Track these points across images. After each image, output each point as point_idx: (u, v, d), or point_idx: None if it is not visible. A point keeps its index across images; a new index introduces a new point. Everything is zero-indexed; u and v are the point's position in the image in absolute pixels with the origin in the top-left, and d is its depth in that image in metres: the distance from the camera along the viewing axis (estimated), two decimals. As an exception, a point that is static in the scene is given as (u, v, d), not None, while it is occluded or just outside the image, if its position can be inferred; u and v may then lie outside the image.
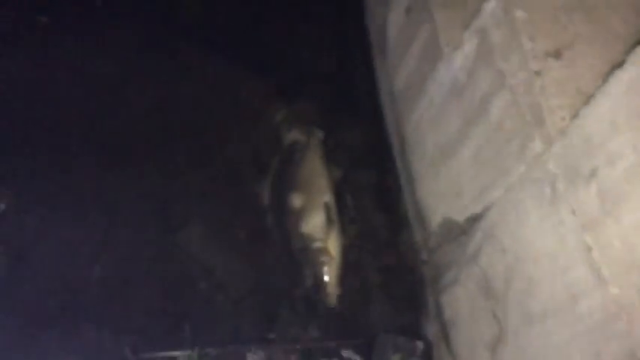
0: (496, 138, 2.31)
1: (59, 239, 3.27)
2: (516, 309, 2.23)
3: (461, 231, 2.67)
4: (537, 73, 2.04)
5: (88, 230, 3.30)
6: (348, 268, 3.37)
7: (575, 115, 1.88)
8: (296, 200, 3.41)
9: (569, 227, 1.88)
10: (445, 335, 2.91)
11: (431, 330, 3.09)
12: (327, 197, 3.44)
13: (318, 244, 3.30)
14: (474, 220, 2.53)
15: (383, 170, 3.59)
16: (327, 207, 3.39)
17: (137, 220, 3.40)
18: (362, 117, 3.80)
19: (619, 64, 1.69)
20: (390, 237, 3.48)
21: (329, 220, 3.35)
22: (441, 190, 2.85)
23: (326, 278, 3.23)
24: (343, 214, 3.50)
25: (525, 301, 2.16)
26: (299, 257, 3.32)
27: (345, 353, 3.09)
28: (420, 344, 3.02)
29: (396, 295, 3.34)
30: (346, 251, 3.39)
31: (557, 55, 2.06)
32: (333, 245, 3.32)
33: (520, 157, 2.15)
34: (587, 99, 1.82)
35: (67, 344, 3.03)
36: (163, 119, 3.71)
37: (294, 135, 3.73)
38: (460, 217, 2.67)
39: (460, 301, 2.73)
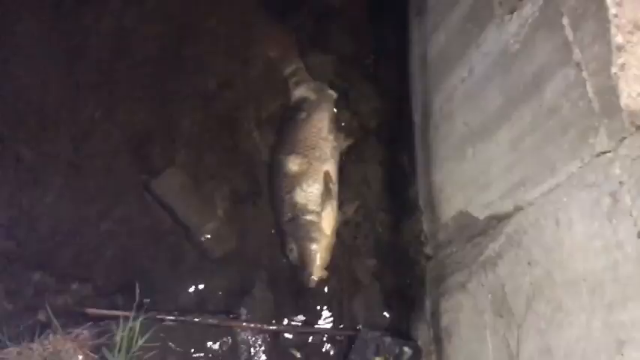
0: (546, 125, 1.86)
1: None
2: (534, 338, 1.81)
3: (479, 230, 2.25)
4: (619, 49, 1.58)
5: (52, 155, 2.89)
6: (339, 249, 2.97)
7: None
8: (293, 164, 2.99)
9: (629, 253, 1.44)
10: (438, 345, 2.53)
11: (422, 335, 2.69)
12: (329, 166, 3.02)
13: (310, 217, 2.89)
14: (499, 220, 2.11)
15: (398, 145, 3.14)
16: (326, 177, 2.97)
17: (111, 152, 2.97)
18: (384, 82, 3.33)
19: None
20: (393, 222, 3.05)
21: (326, 192, 2.94)
22: (463, 178, 2.41)
23: (312, 256, 2.83)
24: (344, 188, 3.08)
25: (548, 331, 1.74)
26: (287, 227, 2.92)
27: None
28: (407, 350, 2.62)
29: (388, 288, 2.94)
30: (340, 230, 2.98)
31: (648, 29, 1.60)
32: (326, 221, 2.91)
33: (575, 153, 1.70)
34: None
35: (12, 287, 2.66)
36: (167, 50, 3.25)
37: (303, 91, 3.28)
38: (481, 213, 2.24)
39: (463, 311, 2.32)
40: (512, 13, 2.13)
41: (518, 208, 1.99)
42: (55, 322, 2.26)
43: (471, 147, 2.38)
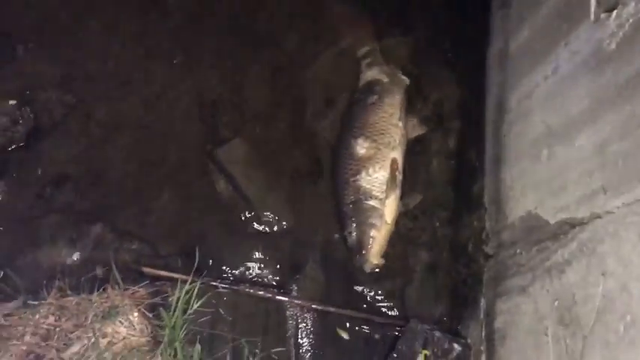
0: (638, 134, 1.76)
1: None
2: (601, 351, 1.74)
3: (548, 234, 2.16)
4: None
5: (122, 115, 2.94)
6: (397, 239, 2.93)
7: None
8: (361, 147, 2.95)
9: None
10: (490, 346, 2.46)
11: (473, 334, 2.64)
12: (397, 154, 2.97)
13: (373, 203, 2.86)
14: (572, 225, 2.02)
15: (468, 138, 3.05)
16: (393, 164, 2.92)
17: (179, 117, 3.00)
18: (460, 72, 3.24)
19: None
20: (456, 216, 2.98)
21: (392, 180, 2.89)
22: (536, 178, 2.32)
23: (370, 241, 2.80)
24: (409, 177, 3.02)
25: (618, 346, 1.67)
26: (348, 210, 2.89)
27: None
28: (456, 347, 2.57)
29: (444, 283, 2.88)
30: (398, 220, 2.94)
31: None
32: (389, 208, 2.87)
33: (669, 164, 1.61)
34: None
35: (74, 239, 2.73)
36: (240, 21, 3.25)
37: (375, 74, 3.22)
38: (552, 217, 2.16)
39: (521, 314, 2.25)
40: (610, 11, 2.02)
41: (595, 216, 1.90)
42: (116, 274, 2.31)
43: (548, 148, 2.29)
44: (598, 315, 1.76)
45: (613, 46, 1.97)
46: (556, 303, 1.98)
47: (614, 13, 1.98)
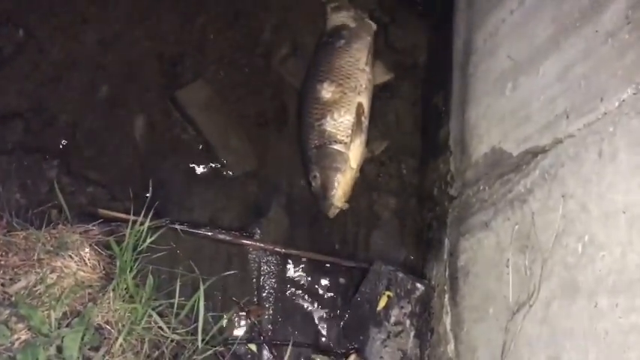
0: (600, 51, 1.72)
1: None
2: (560, 273, 1.71)
3: (511, 166, 2.13)
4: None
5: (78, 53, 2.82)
6: (361, 185, 2.89)
7: None
8: (326, 91, 2.88)
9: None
10: (453, 284, 2.44)
11: (437, 275, 2.61)
12: (363, 99, 2.91)
13: (337, 147, 2.81)
14: (534, 154, 1.98)
15: (435, 83, 3.00)
16: (359, 109, 2.87)
17: (138, 58, 2.89)
18: (425, 16, 3.19)
19: None
20: (422, 162, 2.95)
21: (357, 124, 2.84)
22: (501, 112, 2.28)
23: (335, 185, 2.75)
24: (374, 122, 2.98)
25: (577, 265, 1.64)
26: (312, 154, 2.83)
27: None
28: (419, 286, 2.54)
29: (407, 226, 2.85)
30: (364, 167, 2.90)
31: None
32: (354, 153, 2.82)
33: (631, 78, 1.56)
34: None
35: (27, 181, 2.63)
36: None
37: (342, 18, 3.14)
38: (516, 148, 2.12)
39: (484, 249, 2.22)
40: None
41: (557, 141, 1.86)
42: (66, 211, 2.22)
43: (512, 81, 2.24)
44: (557, 238, 1.73)
45: (576, -32, 1.92)
46: (515, 232, 1.95)
47: None
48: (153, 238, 2.16)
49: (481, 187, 2.33)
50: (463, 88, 2.70)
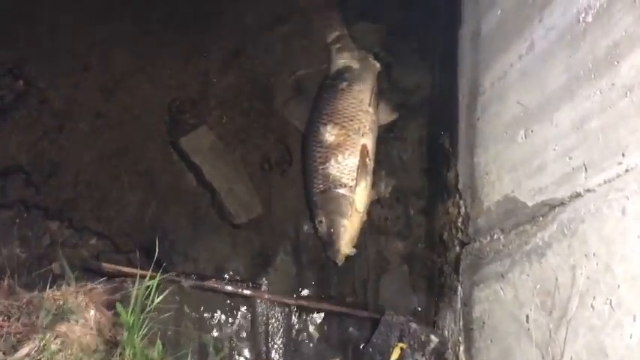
0: (619, 104, 1.68)
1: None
2: (585, 336, 1.65)
3: (527, 217, 2.08)
4: None
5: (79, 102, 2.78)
6: (369, 228, 2.83)
7: None
8: (330, 134, 2.85)
9: None
10: (468, 336, 2.37)
11: (450, 325, 2.54)
12: (367, 140, 2.87)
13: (343, 191, 2.76)
14: (551, 207, 1.94)
15: (440, 125, 2.96)
16: (364, 151, 2.83)
17: (141, 105, 2.85)
18: (431, 57, 3.16)
19: None
20: (430, 204, 2.90)
21: (362, 167, 2.79)
22: (512, 161, 2.24)
23: (341, 231, 2.70)
24: (380, 164, 2.94)
25: (604, 329, 1.58)
26: (318, 199, 2.78)
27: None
28: (434, 338, 2.47)
29: (418, 272, 2.79)
30: (371, 209, 2.84)
31: None
32: (360, 196, 2.77)
33: (653, 137, 1.53)
34: None
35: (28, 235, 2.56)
36: (202, 3, 3.09)
37: (345, 60, 3.12)
38: (530, 199, 2.07)
39: (501, 302, 2.16)
40: (585, -17, 1.94)
41: (576, 195, 1.81)
42: (68, 272, 2.15)
43: (524, 128, 2.20)
44: (581, 298, 1.68)
45: (589, 18, 1.89)
46: (537, 287, 1.89)
47: (591, -16, 1.90)
48: (161, 298, 2.09)
49: (495, 237, 2.28)
50: (470, 131, 2.66)
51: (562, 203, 1.88)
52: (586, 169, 1.78)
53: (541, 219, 1.98)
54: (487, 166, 2.45)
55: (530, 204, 2.07)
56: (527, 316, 1.95)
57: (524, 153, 2.17)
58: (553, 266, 1.85)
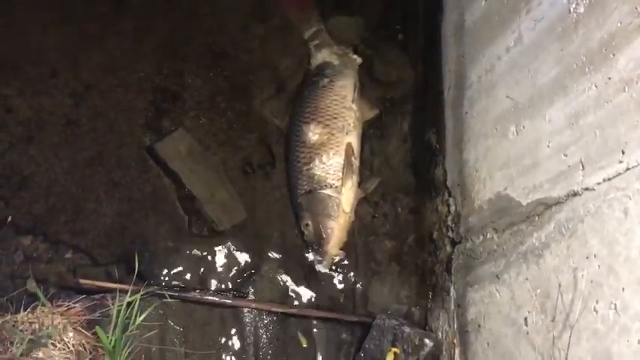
0: (617, 99, 1.62)
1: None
2: (589, 341, 1.59)
3: (521, 216, 2.01)
4: None
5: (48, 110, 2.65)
6: (356, 228, 2.75)
7: None
8: (313, 133, 2.76)
9: None
10: (463, 339, 2.31)
11: (443, 326, 2.48)
12: (352, 138, 2.79)
13: (329, 191, 2.69)
14: (547, 205, 1.87)
15: (425, 119, 2.88)
16: (348, 149, 2.75)
17: (113, 110, 2.72)
18: (412, 49, 3.08)
19: None
20: (417, 201, 2.83)
21: (348, 166, 2.71)
22: (504, 156, 2.17)
23: (328, 233, 2.63)
24: (365, 162, 2.85)
25: (609, 334, 1.52)
26: (303, 201, 2.70)
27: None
28: (428, 342, 2.40)
29: (409, 273, 2.72)
30: (358, 208, 2.76)
31: None
32: (346, 196, 2.70)
33: (656, 133, 1.46)
34: None
35: None
36: (179, 3, 2.96)
37: (325, 55, 3.03)
38: (524, 197, 2.01)
39: (496, 303, 2.10)
40: (575, -28, 1.87)
41: (573, 194, 1.75)
42: (40, 294, 2.03)
43: (515, 123, 2.13)
44: (585, 303, 1.61)
45: (581, 9, 1.82)
46: (537, 291, 1.83)
47: (581, -27, 1.83)
48: (144, 316, 1.99)
49: (488, 236, 2.21)
50: (458, 127, 2.59)
51: (558, 202, 1.81)
52: (583, 166, 1.72)
53: (537, 218, 1.92)
54: (477, 163, 2.38)
55: (524, 202, 2.00)
56: (526, 319, 1.89)
57: (516, 149, 2.10)
58: (551, 268, 1.79)
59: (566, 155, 1.81)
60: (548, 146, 1.91)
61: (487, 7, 2.48)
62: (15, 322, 1.89)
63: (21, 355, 1.81)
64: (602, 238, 1.60)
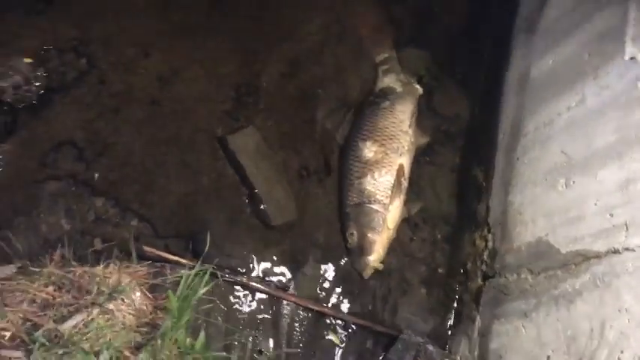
0: (669, 174, 1.80)
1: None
2: (610, 385, 1.76)
3: (558, 263, 2.19)
4: None
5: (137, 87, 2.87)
6: (397, 248, 2.94)
7: None
8: (369, 150, 2.95)
9: None
10: (482, 366, 2.48)
11: (463, 351, 2.65)
12: (404, 160, 2.98)
13: (376, 206, 2.86)
14: (586, 257, 2.04)
15: (476, 157, 3.08)
16: (400, 170, 2.93)
17: (194, 98, 2.94)
18: (474, 90, 3.28)
19: None
20: (457, 231, 3.01)
21: (397, 186, 2.89)
22: (550, 206, 2.34)
23: (371, 245, 2.81)
24: (413, 185, 3.05)
25: (629, 382, 1.69)
26: (351, 212, 2.89)
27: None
28: (450, 363, 2.58)
29: (438, 296, 2.90)
30: (399, 228, 2.95)
31: None
32: (392, 214, 2.87)
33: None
34: None
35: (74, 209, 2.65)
36: (264, 8, 3.20)
37: (391, 80, 3.23)
38: (565, 246, 2.18)
39: (521, 338, 2.27)
40: (648, 50, 2.05)
41: (613, 251, 1.92)
42: (133, 252, 2.25)
43: (565, 177, 2.31)
44: (611, 354, 1.78)
45: (647, 86, 2.00)
46: (566, 332, 2.00)
47: (654, 52, 2.02)
48: (208, 288, 2.20)
49: (522, 276, 2.39)
50: (508, 170, 2.77)
51: (597, 256, 1.99)
52: (627, 228, 1.89)
53: (573, 267, 2.09)
54: (522, 206, 2.56)
55: (563, 250, 2.18)
56: (549, 357, 2.06)
57: (563, 201, 2.27)
58: (582, 314, 1.96)
59: (612, 215, 1.98)
60: (595, 204, 2.08)
61: (554, 66, 2.66)
62: (93, 273, 2.10)
63: (98, 304, 2.01)
64: (636, 295, 1.77)
